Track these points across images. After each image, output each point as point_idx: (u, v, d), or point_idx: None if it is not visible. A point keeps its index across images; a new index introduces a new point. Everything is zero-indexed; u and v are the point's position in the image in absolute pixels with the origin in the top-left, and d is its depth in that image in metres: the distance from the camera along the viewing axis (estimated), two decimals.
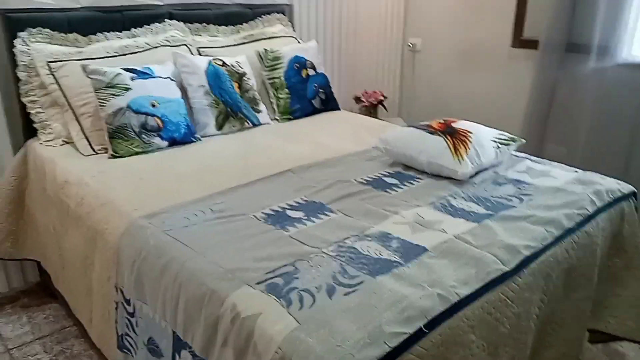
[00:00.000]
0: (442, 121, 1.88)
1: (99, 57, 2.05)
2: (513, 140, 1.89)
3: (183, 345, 1.19)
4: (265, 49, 2.48)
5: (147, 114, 1.93)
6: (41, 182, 1.88)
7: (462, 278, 1.16)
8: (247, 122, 2.28)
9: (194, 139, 2.07)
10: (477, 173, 1.76)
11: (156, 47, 2.22)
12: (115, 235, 1.43)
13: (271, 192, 1.59)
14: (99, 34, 2.16)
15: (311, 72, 2.56)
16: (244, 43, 2.55)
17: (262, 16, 2.73)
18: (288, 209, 1.49)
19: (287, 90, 2.47)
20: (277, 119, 2.46)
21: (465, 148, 1.72)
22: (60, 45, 2.05)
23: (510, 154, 1.92)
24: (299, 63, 2.52)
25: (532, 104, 2.85)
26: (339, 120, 2.50)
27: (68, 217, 1.68)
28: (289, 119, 2.47)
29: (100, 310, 1.55)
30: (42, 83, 1.96)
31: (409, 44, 3.55)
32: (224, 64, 2.26)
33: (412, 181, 1.72)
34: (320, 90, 2.59)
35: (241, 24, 2.65)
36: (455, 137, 1.76)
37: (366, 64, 3.45)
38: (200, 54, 2.35)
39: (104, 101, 1.89)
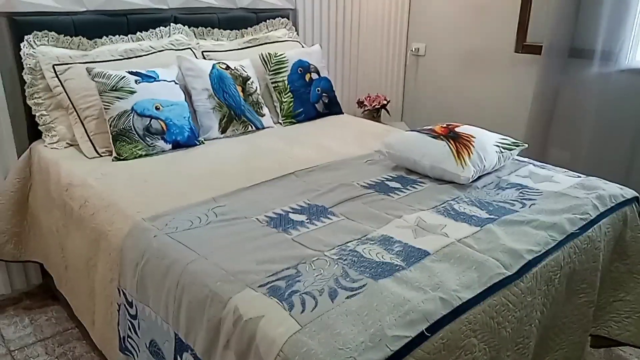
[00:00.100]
0: (445, 125, 1.89)
1: (104, 60, 2.06)
2: (516, 144, 1.89)
3: (185, 347, 1.20)
4: (269, 53, 2.49)
5: (151, 117, 1.94)
6: (45, 184, 1.89)
7: (464, 282, 1.16)
8: (251, 126, 2.29)
9: (197, 142, 2.08)
10: (479, 177, 1.76)
11: (161, 51, 2.24)
12: (118, 237, 1.44)
13: (274, 195, 1.60)
14: (104, 37, 2.17)
15: (315, 76, 2.57)
16: (248, 47, 2.56)
17: (266, 20, 2.74)
18: (291, 212, 1.49)
19: (290, 94, 2.48)
20: (280, 123, 2.47)
21: (468, 152, 1.72)
22: (66, 48, 2.06)
23: (513, 158, 1.93)
24: (303, 67, 2.53)
25: (536, 108, 2.86)
26: (342, 124, 2.50)
27: (71, 219, 1.69)
28: (292, 123, 2.48)
29: (102, 312, 1.55)
30: (48, 86, 1.98)
31: (413, 49, 3.56)
32: (228, 67, 2.27)
33: (414, 185, 1.72)
34: (324, 94, 2.60)
35: (245, 28, 2.67)
36: (458, 141, 1.76)
37: (369, 69, 3.46)
38: (204, 58, 2.37)
39: (109, 104, 1.90)
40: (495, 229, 1.40)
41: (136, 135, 1.91)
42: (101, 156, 1.94)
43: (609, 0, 2.49)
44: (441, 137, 1.79)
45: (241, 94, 2.27)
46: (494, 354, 1.18)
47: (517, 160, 1.97)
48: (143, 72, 2.01)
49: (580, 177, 1.82)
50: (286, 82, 2.48)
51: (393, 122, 3.42)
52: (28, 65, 1.97)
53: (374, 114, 3.22)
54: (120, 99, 1.90)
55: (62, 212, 1.76)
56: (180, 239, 1.32)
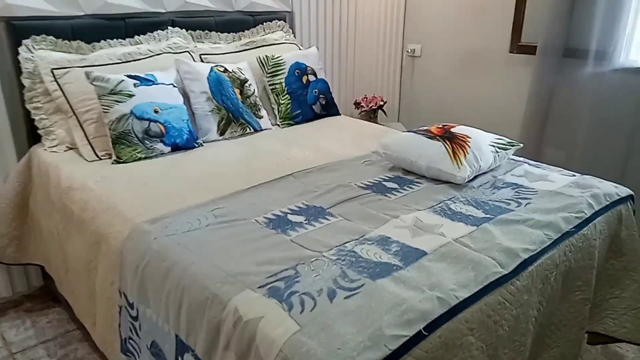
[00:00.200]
0: (441, 126, 1.90)
1: (102, 64, 2.08)
2: (511, 144, 1.91)
3: (186, 348, 1.21)
4: (266, 56, 2.50)
5: (150, 120, 1.95)
6: (45, 187, 1.90)
7: (461, 281, 1.18)
8: (249, 128, 2.30)
9: (196, 145, 2.09)
10: (475, 177, 1.78)
11: (159, 54, 2.25)
12: (118, 239, 1.45)
13: (272, 197, 1.61)
14: (102, 41, 2.19)
15: (312, 78, 2.58)
16: (246, 50, 2.58)
17: (263, 23, 2.76)
18: (289, 213, 1.51)
19: (288, 96, 2.50)
20: (278, 125, 2.49)
21: (464, 152, 1.74)
22: (64, 52, 2.07)
23: (508, 158, 1.94)
24: (300, 69, 2.55)
25: (530, 108, 2.87)
26: (339, 126, 2.52)
27: (72, 222, 1.70)
28: (290, 124, 2.49)
29: (103, 314, 1.56)
30: (46, 90, 1.99)
31: (409, 50, 3.58)
32: (226, 70, 2.28)
33: (411, 185, 1.74)
34: (321, 95, 2.61)
35: (243, 31, 2.68)
36: (453, 141, 1.78)
37: (366, 70, 3.48)
38: (202, 61, 2.38)
39: (108, 107, 1.91)
40: (491, 228, 1.42)
41: (135, 139, 1.93)
42: (101, 159, 1.96)
43: (603, 0, 2.51)
44: (437, 137, 1.81)
45: (239, 96, 2.29)
46: (491, 352, 1.19)
47: (512, 159, 1.99)
48: (141, 75, 2.02)
49: (575, 175, 1.84)
50: (283, 84, 2.49)
51: (390, 123, 3.44)
52: (26, 70, 1.98)
53: (371, 115, 3.23)
54: (119, 102, 1.92)
55: (62, 215, 1.77)
56: (180, 241, 1.34)
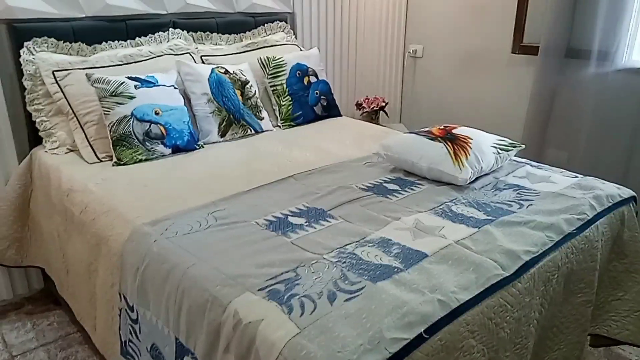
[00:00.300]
0: (442, 127, 1.90)
1: (103, 66, 2.08)
2: (513, 145, 1.90)
3: (186, 351, 1.21)
4: (267, 57, 2.50)
5: (150, 121, 1.95)
6: (46, 189, 1.90)
7: (462, 283, 1.17)
8: (250, 129, 2.30)
9: (197, 146, 2.09)
10: (477, 179, 1.77)
11: (160, 56, 2.25)
12: (119, 242, 1.45)
13: (273, 199, 1.61)
14: (103, 43, 2.19)
15: (313, 79, 2.58)
16: (247, 51, 2.58)
17: (265, 24, 2.76)
18: (290, 215, 1.50)
19: (289, 97, 2.50)
20: (279, 126, 2.48)
21: (465, 154, 1.73)
22: (65, 54, 2.08)
23: (510, 159, 1.94)
24: (301, 70, 2.54)
25: (533, 109, 2.87)
26: (340, 127, 2.51)
27: (72, 224, 1.70)
28: (291, 126, 2.49)
29: (104, 317, 1.56)
30: (47, 92, 1.99)
31: (410, 51, 3.57)
32: (227, 71, 2.28)
33: (412, 187, 1.73)
34: (322, 97, 2.61)
35: (244, 32, 2.68)
36: (455, 143, 1.77)
37: (368, 71, 3.47)
38: (203, 62, 2.38)
39: (108, 109, 1.91)
40: (492, 230, 1.41)
41: (136, 140, 1.92)
42: (101, 161, 1.95)
43: (605, 0, 2.51)
44: (438, 138, 1.80)
45: (240, 97, 2.28)
46: (493, 354, 1.19)
47: (514, 161, 1.98)
48: (142, 77, 2.02)
49: (578, 177, 1.83)
50: (285, 85, 2.49)
51: (392, 124, 3.44)
52: (28, 72, 1.98)
53: (373, 116, 3.23)
54: (120, 104, 1.91)
55: (62, 217, 1.77)
56: (180, 244, 1.33)
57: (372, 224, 1.45)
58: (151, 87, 2.01)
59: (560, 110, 2.82)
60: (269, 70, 2.49)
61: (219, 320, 1.10)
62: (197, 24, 2.50)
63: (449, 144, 1.76)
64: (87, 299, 1.67)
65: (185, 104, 2.11)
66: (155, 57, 2.23)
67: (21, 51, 1.99)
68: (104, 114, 1.92)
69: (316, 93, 2.58)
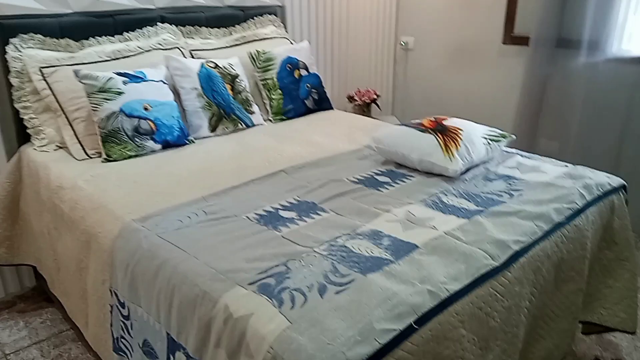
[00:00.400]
0: (433, 119, 1.90)
1: (91, 61, 2.06)
2: (503, 136, 1.91)
3: (177, 346, 1.20)
4: (257, 51, 2.49)
5: (140, 117, 1.94)
6: (35, 187, 1.89)
7: (452, 274, 1.18)
8: (240, 124, 2.29)
9: (187, 142, 2.08)
10: (467, 170, 1.78)
11: (148, 51, 2.23)
12: (109, 238, 1.44)
13: (264, 193, 1.61)
14: (91, 38, 2.16)
15: (304, 72, 2.57)
16: (236, 45, 2.56)
17: (254, 18, 2.74)
18: (280, 209, 1.50)
19: (279, 91, 2.48)
20: (270, 120, 2.48)
21: (456, 145, 1.74)
22: (53, 50, 2.05)
23: (500, 150, 1.94)
24: (292, 64, 2.53)
25: (524, 99, 2.87)
26: (332, 120, 2.51)
27: (62, 221, 1.69)
28: (282, 120, 2.48)
29: (95, 314, 1.56)
30: (35, 89, 1.97)
31: (401, 43, 3.56)
32: (217, 66, 2.27)
33: (403, 179, 1.73)
34: (313, 90, 2.60)
35: (233, 26, 2.66)
36: (445, 134, 1.77)
37: (359, 63, 3.46)
38: (192, 57, 2.36)
39: (97, 105, 1.89)
40: (482, 221, 1.42)
41: (125, 136, 1.91)
42: (91, 158, 1.94)
43: None
44: (429, 130, 1.80)
45: (230, 92, 2.27)
46: (483, 343, 1.19)
47: (505, 151, 1.99)
48: (131, 72, 2.00)
49: (567, 166, 1.83)
50: (275, 79, 2.48)
51: (384, 116, 3.43)
52: (14, 69, 1.96)
53: (365, 109, 3.22)
54: (108, 100, 1.90)
55: (52, 214, 1.76)
56: (170, 239, 1.33)
57: (363, 217, 1.45)
58: (140, 82, 1.99)
59: (551, 100, 2.83)
60: (259, 64, 2.48)
61: (210, 315, 1.10)
62: (185, 18, 2.48)
63: (440, 135, 1.76)
64: (78, 296, 1.67)
65: (174, 99, 2.09)
66: (143, 52, 2.22)
67: (7, 48, 1.96)
68: (93, 110, 1.91)
69: (307, 86, 2.57)
